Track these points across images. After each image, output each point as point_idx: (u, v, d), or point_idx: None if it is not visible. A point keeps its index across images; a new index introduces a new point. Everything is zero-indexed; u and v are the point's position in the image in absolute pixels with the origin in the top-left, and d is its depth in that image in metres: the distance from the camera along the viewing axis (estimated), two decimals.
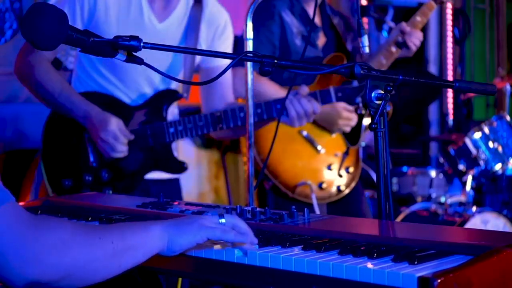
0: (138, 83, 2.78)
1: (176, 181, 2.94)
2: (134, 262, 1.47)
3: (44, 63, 2.69)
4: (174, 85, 2.82)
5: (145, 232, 1.49)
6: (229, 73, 2.91)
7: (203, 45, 2.84)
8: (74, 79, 2.86)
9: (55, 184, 2.72)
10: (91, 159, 2.72)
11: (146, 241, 1.48)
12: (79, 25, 2.66)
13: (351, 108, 3.16)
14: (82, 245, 1.39)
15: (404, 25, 3.14)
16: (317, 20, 3.29)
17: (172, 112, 2.87)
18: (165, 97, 2.78)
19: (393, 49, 3.16)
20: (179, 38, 2.78)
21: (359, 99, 2.87)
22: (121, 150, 2.67)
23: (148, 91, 2.79)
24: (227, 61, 2.84)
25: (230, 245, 1.53)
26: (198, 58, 2.84)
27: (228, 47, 2.92)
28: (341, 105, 3.14)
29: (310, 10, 3.25)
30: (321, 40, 3.27)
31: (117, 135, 2.64)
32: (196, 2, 2.83)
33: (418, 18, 3.21)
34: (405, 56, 3.21)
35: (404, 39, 3.13)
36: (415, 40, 3.13)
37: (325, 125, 3.19)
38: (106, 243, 1.42)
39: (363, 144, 3.32)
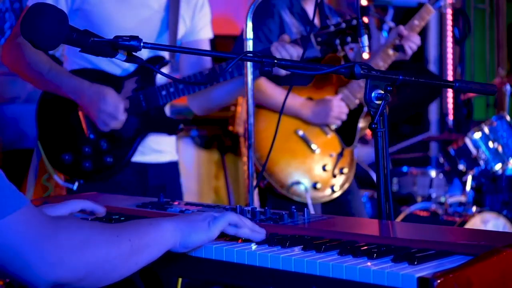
0: None
1: (175, 164, 2.98)
2: (149, 259, 1.48)
3: None
4: (162, 52, 2.87)
5: (159, 229, 1.49)
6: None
7: (186, 19, 2.91)
8: (64, 61, 2.91)
9: (55, 161, 2.77)
10: (88, 131, 2.77)
11: (160, 238, 1.49)
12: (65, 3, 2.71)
13: (339, 97, 3.21)
14: (101, 244, 1.38)
15: (402, 28, 3.14)
16: (316, 20, 3.29)
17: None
18: (153, 63, 2.84)
19: (390, 51, 3.17)
20: (162, 12, 2.84)
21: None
22: (122, 119, 2.72)
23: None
24: (207, 36, 2.96)
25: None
26: (180, 34, 2.90)
27: (207, 24, 2.98)
28: (329, 98, 3.20)
29: (310, 10, 3.25)
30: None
31: (117, 104, 2.69)
32: None
33: (416, 22, 3.19)
34: (401, 59, 3.21)
35: (401, 42, 3.13)
36: (411, 44, 3.13)
37: (319, 121, 3.21)
38: (124, 241, 1.42)
39: (358, 145, 3.33)
